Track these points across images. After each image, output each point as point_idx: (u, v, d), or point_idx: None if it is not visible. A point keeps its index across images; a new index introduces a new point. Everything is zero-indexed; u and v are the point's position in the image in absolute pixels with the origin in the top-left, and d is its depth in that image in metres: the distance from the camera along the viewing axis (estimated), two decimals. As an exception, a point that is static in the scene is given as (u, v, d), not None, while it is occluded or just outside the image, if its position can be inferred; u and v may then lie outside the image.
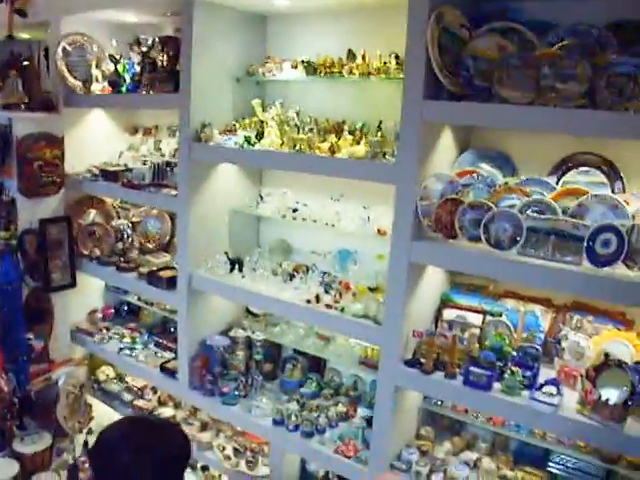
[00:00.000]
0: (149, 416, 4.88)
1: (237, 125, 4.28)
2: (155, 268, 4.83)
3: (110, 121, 5.53)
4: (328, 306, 3.83)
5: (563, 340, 3.46)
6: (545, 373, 3.34)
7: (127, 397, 5.43)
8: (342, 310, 3.77)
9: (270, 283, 4.14)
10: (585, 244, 2.91)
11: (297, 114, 4.07)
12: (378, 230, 3.77)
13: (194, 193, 4.32)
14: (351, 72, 3.87)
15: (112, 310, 5.75)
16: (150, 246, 5.24)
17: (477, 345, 3.49)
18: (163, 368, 4.90)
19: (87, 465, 4.53)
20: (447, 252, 3.31)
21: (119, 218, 5.42)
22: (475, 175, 3.44)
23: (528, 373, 3.32)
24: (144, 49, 4.74)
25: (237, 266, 4.32)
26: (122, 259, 5.14)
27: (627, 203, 3.00)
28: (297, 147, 3.85)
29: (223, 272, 4.34)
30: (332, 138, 3.84)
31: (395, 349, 3.53)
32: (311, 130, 3.99)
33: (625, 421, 2.93)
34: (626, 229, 2.84)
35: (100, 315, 5.62)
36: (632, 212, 2.96)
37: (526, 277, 3.11)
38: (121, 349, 5.21)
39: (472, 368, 3.35)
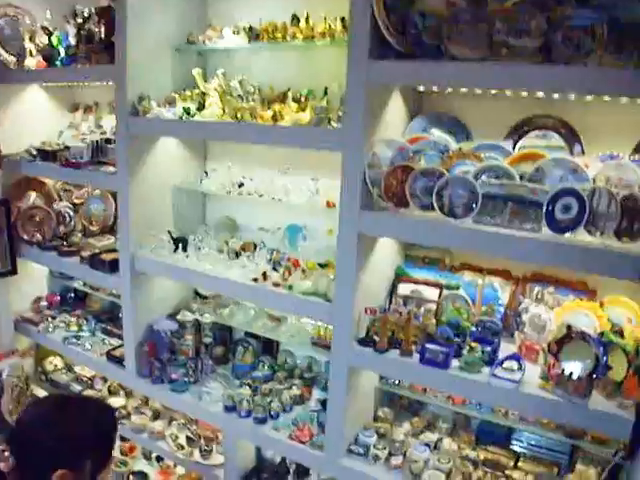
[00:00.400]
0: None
1: (177, 97, 3.95)
2: (98, 251, 4.53)
3: (49, 98, 5.22)
4: (276, 284, 3.58)
5: (523, 313, 3.27)
6: (506, 348, 3.17)
7: (76, 387, 5.15)
8: (290, 288, 3.52)
9: (216, 262, 3.88)
10: (544, 210, 2.74)
11: (240, 83, 3.77)
12: (327, 202, 3.51)
13: (134, 170, 4.03)
14: (295, 37, 3.59)
15: (58, 297, 5.42)
16: (94, 229, 4.93)
17: (434, 321, 3.26)
18: (110, 356, 4.62)
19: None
20: (398, 222, 3.06)
21: (61, 200, 5.08)
22: (426, 141, 3.18)
23: (488, 348, 3.11)
24: (80, 20, 4.43)
25: (181, 245, 4.02)
26: (65, 243, 4.81)
27: (587, 166, 2.82)
28: (239, 117, 3.55)
29: (167, 252, 4.04)
30: (276, 106, 3.56)
31: (347, 327, 3.29)
32: (255, 100, 3.69)
33: (590, 395, 2.77)
34: (587, 193, 2.65)
35: (45, 303, 5.31)
36: (592, 175, 2.77)
37: (482, 246, 2.88)
38: (66, 338, 4.92)
39: (428, 345, 3.13)
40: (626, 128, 3.00)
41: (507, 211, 2.83)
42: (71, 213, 4.98)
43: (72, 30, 4.52)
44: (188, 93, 4.02)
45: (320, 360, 4.14)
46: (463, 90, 3.23)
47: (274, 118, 3.43)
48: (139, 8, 3.86)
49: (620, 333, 2.94)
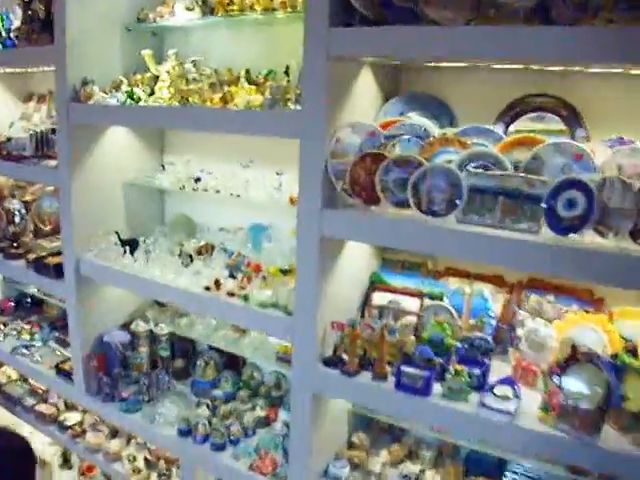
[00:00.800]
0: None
1: (125, 81, 3.35)
2: (45, 254, 3.91)
3: (0, 87, 4.56)
4: (231, 294, 2.98)
5: (519, 327, 2.71)
6: (498, 369, 2.62)
7: (29, 401, 4.51)
8: (245, 298, 2.92)
9: (167, 267, 3.27)
10: (544, 205, 2.16)
11: (194, 65, 3.19)
12: (291, 199, 2.91)
13: (77, 163, 3.45)
14: (252, 9, 2.99)
15: (12, 303, 4.84)
16: (46, 229, 4.34)
17: (412, 338, 2.65)
18: (59, 369, 4.01)
19: None
20: (367, 222, 2.46)
21: (13, 198, 4.46)
22: (402, 124, 2.58)
23: (476, 371, 2.54)
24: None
25: (129, 248, 3.42)
26: (14, 245, 4.18)
27: (593, 153, 2.26)
28: (188, 101, 2.95)
29: (115, 256, 3.42)
30: (232, 89, 2.96)
31: (310, 345, 2.70)
32: (212, 84, 3.09)
33: (600, 430, 2.19)
34: (595, 184, 2.08)
35: (-2, 309, 4.66)
36: (600, 163, 2.15)
37: (468, 251, 2.28)
38: (15, 348, 4.29)
39: (405, 368, 2.54)
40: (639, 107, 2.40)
41: (498, 207, 2.26)
42: (22, 211, 4.35)
43: (18, 10, 3.90)
44: (139, 77, 3.40)
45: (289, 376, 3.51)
46: (446, 65, 2.69)
47: (223, 100, 2.82)
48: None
49: (634, 352, 2.33)
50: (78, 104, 3.33)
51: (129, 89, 3.23)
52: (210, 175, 3.38)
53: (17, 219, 4.34)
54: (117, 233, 3.51)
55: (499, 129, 2.59)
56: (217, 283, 3.02)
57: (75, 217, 3.49)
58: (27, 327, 4.57)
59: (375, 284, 3.00)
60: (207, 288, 3.04)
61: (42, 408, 4.39)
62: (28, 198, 4.44)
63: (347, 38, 2.34)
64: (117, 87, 3.37)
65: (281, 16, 2.96)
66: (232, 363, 3.74)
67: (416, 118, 2.72)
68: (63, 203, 3.53)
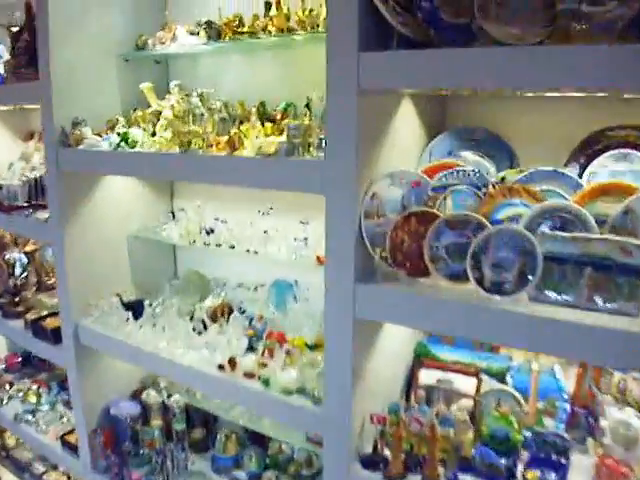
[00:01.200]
0: None
1: (121, 120, 2.82)
2: (45, 313, 3.40)
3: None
4: (249, 375, 2.41)
5: (601, 416, 2.07)
6: (576, 464, 2.03)
7: (38, 468, 3.99)
8: (266, 383, 2.34)
9: (176, 336, 2.71)
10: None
11: (201, 98, 2.62)
12: (318, 259, 2.35)
13: (71, 215, 2.95)
14: (266, 30, 2.44)
15: (19, 359, 4.30)
16: (50, 281, 3.79)
17: (470, 436, 2.06)
18: (64, 441, 3.47)
19: None
20: (413, 302, 1.88)
21: (16, 246, 3.94)
22: (454, 171, 2.01)
23: (552, 476, 1.92)
24: (15, 29, 3.29)
25: (132, 313, 2.88)
26: (15, 300, 3.66)
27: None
28: (189, 145, 2.40)
29: (117, 322, 2.89)
30: (243, 128, 2.41)
31: (344, 442, 2.14)
32: (223, 120, 2.54)
33: None
34: None
35: (3, 366, 4.15)
36: None
37: (544, 343, 1.69)
38: (17, 414, 3.76)
39: (463, 476, 1.94)
40: None
41: (583, 282, 1.68)
42: (24, 262, 3.82)
43: (7, 42, 3.40)
44: (139, 113, 2.85)
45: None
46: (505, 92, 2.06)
47: (231, 144, 2.25)
48: (69, 5, 2.77)
49: None
50: (67, 149, 2.80)
51: (124, 131, 2.68)
52: (224, 224, 2.86)
53: (18, 271, 3.81)
54: (119, 296, 2.98)
55: (573, 172, 2.00)
56: (232, 362, 2.46)
57: (71, 278, 2.97)
58: (34, 387, 4.03)
59: (421, 358, 2.42)
60: (221, 367, 2.49)
61: (52, 477, 3.88)
62: (30, 248, 3.91)
63: (383, 65, 1.78)
64: (113, 127, 2.84)
65: (300, 38, 2.43)
66: (257, 436, 3.16)
67: (470, 157, 2.14)
68: (57, 262, 3.01)
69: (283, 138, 2.27)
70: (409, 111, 2.16)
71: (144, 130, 2.83)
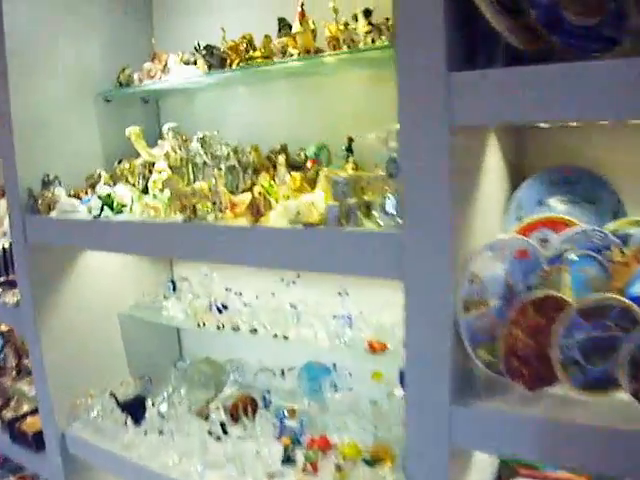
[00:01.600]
0: None
1: (103, 176, 2.20)
2: (26, 409, 2.74)
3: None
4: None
5: None
6: None
7: None
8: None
9: (189, 447, 2.08)
10: None
11: (203, 144, 2.00)
12: (371, 345, 1.72)
13: (47, 296, 2.31)
14: (284, 52, 1.82)
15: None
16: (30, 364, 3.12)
17: None
18: None
19: None
20: (541, 430, 1.23)
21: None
22: (573, 231, 1.40)
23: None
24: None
25: (131, 416, 2.24)
26: (-8, 389, 3.03)
27: None
28: (190, 212, 1.78)
29: (113, 427, 2.25)
30: (263, 182, 1.79)
31: None
32: (232, 169, 1.94)
33: None
34: None
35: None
36: None
37: None
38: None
39: None
40: None
41: None
42: (0, 343, 3.17)
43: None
44: (126, 166, 2.24)
45: None
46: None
47: (254, 209, 1.62)
48: (33, 38, 2.15)
49: None
50: (36, 216, 2.17)
51: (106, 192, 2.04)
52: (239, 297, 2.22)
53: (-6, 354, 3.16)
54: (113, 395, 2.33)
55: None
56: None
57: (52, 374, 2.34)
58: (19, 487, 3.35)
59: (514, 466, 1.78)
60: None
61: None
62: (6, 327, 3.25)
63: (487, 88, 1.17)
64: (94, 185, 2.22)
65: (330, 60, 1.80)
66: None
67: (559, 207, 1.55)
68: (33, 355, 2.37)
69: (319, 194, 1.66)
70: (494, 149, 1.54)
71: (133, 186, 2.21)
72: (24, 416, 2.73)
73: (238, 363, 2.50)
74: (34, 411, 2.70)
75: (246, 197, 1.69)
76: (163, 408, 2.29)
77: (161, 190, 1.83)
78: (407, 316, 1.34)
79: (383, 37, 1.65)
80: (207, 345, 2.62)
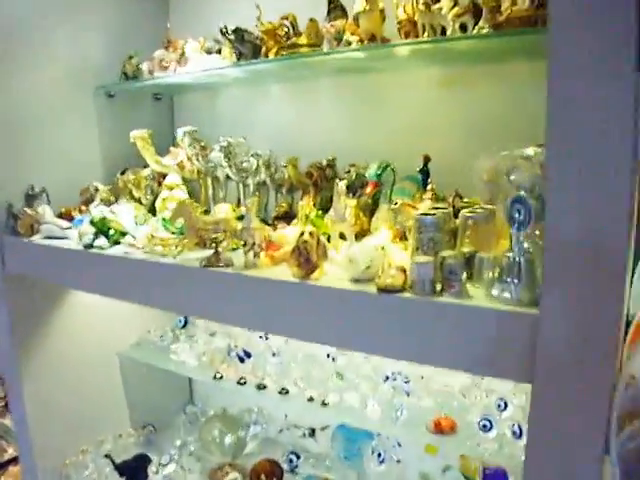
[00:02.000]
0: None
1: (102, 190, 1.75)
2: (10, 455, 2.35)
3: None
4: None
5: None
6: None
7: None
8: None
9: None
10: None
11: (227, 153, 1.56)
12: (438, 425, 1.36)
13: (31, 334, 1.82)
14: (341, 41, 1.35)
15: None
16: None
17: None
18: None
19: None
20: None
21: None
22: None
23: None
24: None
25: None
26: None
27: None
28: (220, 244, 1.30)
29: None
30: (304, 207, 1.34)
31: None
32: (260, 186, 1.50)
33: None
34: None
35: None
36: None
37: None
38: None
39: None
40: None
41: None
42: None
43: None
44: (131, 177, 1.78)
45: None
46: None
47: (303, 261, 1.11)
48: (19, 20, 1.74)
49: None
50: (16, 238, 1.70)
51: (99, 217, 1.55)
52: (265, 341, 1.81)
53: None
54: (109, 457, 1.87)
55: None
56: None
57: (37, 430, 1.87)
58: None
59: None
60: None
61: None
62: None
63: None
64: (89, 201, 1.76)
65: (403, 51, 1.36)
66: None
67: None
68: (13, 405, 1.90)
69: (384, 235, 1.19)
70: None
71: (139, 203, 1.75)
72: (7, 464, 2.29)
73: (260, 414, 2.04)
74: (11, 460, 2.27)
75: (290, 233, 1.22)
76: (170, 469, 1.83)
77: (172, 218, 1.34)
78: (531, 434, 0.87)
79: (484, 23, 1.17)
80: (223, 388, 2.15)
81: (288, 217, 1.54)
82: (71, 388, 1.95)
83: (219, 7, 1.93)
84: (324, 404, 1.57)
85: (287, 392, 1.64)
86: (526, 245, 0.91)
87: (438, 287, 0.97)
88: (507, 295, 0.92)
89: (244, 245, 1.19)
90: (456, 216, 1.18)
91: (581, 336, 0.80)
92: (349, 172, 1.55)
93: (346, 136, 1.66)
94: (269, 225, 1.45)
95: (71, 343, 1.94)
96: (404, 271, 1.00)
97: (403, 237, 1.24)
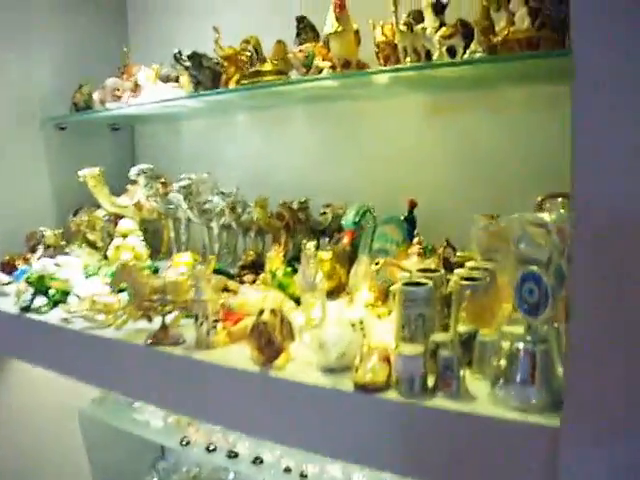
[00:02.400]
0: None
1: (48, 236, 1.53)
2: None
3: None
4: None
5: None
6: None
7: None
8: None
9: None
10: None
11: (186, 194, 1.35)
12: None
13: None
14: (310, 67, 1.16)
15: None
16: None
17: None
18: None
19: None
20: None
21: None
22: None
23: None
24: None
25: None
26: None
27: None
28: (162, 318, 1.10)
29: None
30: (272, 260, 1.13)
31: None
32: (225, 229, 1.30)
33: None
34: None
35: None
36: None
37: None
38: None
39: None
40: None
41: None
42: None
43: None
44: (84, 219, 1.57)
45: None
46: None
47: (264, 343, 0.88)
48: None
49: None
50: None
51: (37, 275, 1.32)
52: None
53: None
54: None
55: None
56: None
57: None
58: None
59: None
60: None
61: None
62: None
63: None
64: (34, 249, 1.54)
65: (382, 79, 1.19)
66: None
67: None
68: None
69: (360, 304, 1.00)
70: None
71: (95, 249, 1.54)
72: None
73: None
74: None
75: (253, 298, 1.01)
76: None
77: (113, 284, 1.11)
78: None
79: (476, 46, 0.97)
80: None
81: (256, 266, 1.33)
82: (24, 452, 1.73)
83: (185, 27, 1.73)
84: (303, 476, 1.36)
85: (261, 461, 1.43)
86: (541, 332, 0.71)
87: (430, 383, 0.76)
88: (517, 401, 0.70)
89: (195, 319, 0.97)
90: (447, 268, 0.99)
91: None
92: (324, 214, 1.35)
93: (320, 170, 1.47)
94: (233, 278, 1.24)
95: (23, 399, 1.72)
96: (387, 361, 0.79)
97: (386, 298, 1.04)
